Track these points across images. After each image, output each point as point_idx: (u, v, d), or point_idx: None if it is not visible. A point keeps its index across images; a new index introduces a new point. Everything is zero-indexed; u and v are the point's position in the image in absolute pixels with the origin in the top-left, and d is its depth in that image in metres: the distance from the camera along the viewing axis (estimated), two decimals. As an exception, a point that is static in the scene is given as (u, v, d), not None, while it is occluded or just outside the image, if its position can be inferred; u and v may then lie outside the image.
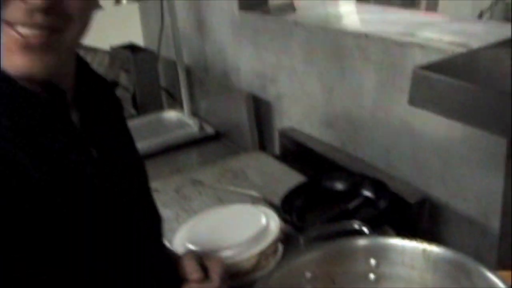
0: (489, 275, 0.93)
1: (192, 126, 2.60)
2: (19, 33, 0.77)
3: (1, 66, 0.79)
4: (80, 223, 0.86)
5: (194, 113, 2.71)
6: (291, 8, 2.23)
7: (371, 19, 1.96)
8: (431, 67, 1.09)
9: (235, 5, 2.37)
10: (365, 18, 2.01)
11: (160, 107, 2.94)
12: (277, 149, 2.26)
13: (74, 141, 0.89)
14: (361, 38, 1.74)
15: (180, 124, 2.68)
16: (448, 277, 1.00)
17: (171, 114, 2.82)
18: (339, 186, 1.71)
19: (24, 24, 0.77)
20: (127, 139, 1.10)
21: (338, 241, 1.13)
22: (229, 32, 2.49)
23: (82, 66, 0.97)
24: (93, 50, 3.02)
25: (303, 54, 2.03)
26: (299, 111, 2.15)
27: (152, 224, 1.10)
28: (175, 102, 2.98)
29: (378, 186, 1.63)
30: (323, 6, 2.32)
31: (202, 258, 1.18)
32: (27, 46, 0.78)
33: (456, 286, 0.98)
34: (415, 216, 1.59)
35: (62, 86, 0.89)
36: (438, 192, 1.60)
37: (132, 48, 2.99)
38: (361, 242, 1.11)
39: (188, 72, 2.68)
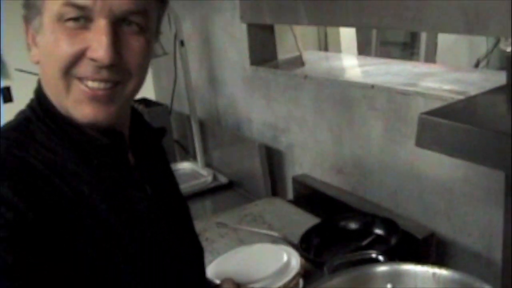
0: (495, 293, 1.04)
1: (206, 176, 2.71)
2: (88, 87, 0.91)
3: (71, 115, 0.93)
4: (136, 251, 0.97)
5: (208, 164, 2.82)
6: (299, 62, 2.35)
7: (375, 71, 2.08)
8: (434, 112, 1.20)
9: (246, 61, 2.50)
10: (369, 70, 2.13)
11: (173, 160, 3.01)
12: (289, 195, 2.36)
13: (132, 179, 1.02)
14: (367, 89, 1.86)
15: (194, 175, 2.78)
16: (457, 297, 1.11)
17: (184, 165, 2.93)
18: (353, 225, 1.81)
19: (93, 79, 0.91)
20: (172, 179, 1.23)
21: (357, 268, 1.25)
22: (241, 86, 2.62)
23: (135, 115, 1.10)
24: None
25: (312, 105, 2.14)
26: (310, 159, 2.25)
27: (196, 255, 1.20)
28: (187, 154, 3.09)
29: (389, 224, 1.72)
30: (327, 60, 2.45)
31: (239, 286, 1.30)
32: (94, 98, 0.92)
33: (465, 305, 1.09)
34: (423, 250, 1.68)
35: (120, 131, 1.02)
36: (444, 228, 1.70)
37: (145, 102, 3.10)
38: (379, 268, 1.23)
39: (201, 124, 2.80)
